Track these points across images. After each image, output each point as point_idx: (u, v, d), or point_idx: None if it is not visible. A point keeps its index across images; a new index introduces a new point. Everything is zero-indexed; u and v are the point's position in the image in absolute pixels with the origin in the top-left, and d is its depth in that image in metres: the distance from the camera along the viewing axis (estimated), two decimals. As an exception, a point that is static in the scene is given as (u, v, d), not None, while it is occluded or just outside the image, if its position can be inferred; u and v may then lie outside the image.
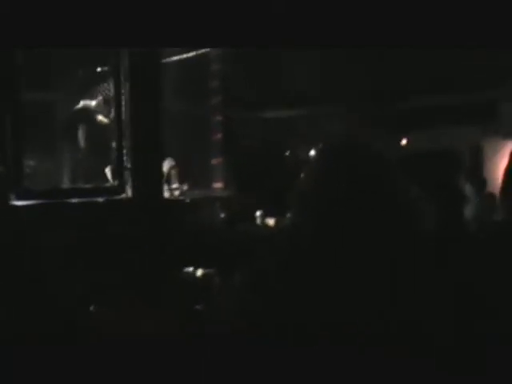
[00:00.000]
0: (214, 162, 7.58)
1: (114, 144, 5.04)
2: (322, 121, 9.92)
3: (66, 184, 6.20)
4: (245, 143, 8.38)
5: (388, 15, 3.68)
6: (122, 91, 5.11)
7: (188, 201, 6.03)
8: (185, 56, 7.77)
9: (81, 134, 6.91)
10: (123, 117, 5.02)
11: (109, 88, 5.73)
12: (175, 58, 7.61)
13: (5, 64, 4.21)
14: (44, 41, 3.67)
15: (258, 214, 5.97)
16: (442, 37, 3.73)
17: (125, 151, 5.04)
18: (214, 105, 7.69)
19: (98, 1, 3.54)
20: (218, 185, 7.47)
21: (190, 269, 4.96)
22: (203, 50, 7.62)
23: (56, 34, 3.55)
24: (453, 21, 3.64)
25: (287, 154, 10.13)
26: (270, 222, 5.95)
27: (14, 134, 4.36)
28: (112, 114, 5.29)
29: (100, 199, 4.80)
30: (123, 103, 5.07)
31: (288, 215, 5.33)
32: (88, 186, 5.64)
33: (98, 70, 7.24)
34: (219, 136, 7.48)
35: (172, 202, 5.74)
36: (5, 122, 4.29)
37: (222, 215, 6.20)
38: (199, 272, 4.89)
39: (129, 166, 5.00)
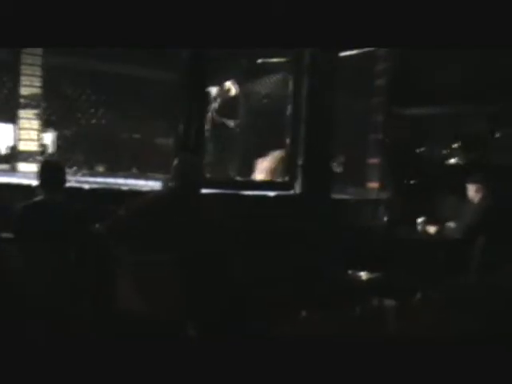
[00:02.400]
0: (371, 161, 7.47)
1: (287, 140, 5.09)
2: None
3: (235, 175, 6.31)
4: (405, 144, 8.19)
5: (392, 15, 3.47)
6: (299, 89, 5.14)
7: (353, 200, 6.01)
8: (348, 53, 7.70)
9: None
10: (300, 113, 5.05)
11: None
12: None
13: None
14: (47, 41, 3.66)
15: (419, 220, 5.83)
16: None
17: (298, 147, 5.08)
18: (376, 103, 7.58)
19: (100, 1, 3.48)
20: (374, 185, 7.37)
21: (352, 270, 4.95)
22: (368, 49, 7.52)
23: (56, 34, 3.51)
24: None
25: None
26: (431, 229, 5.79)
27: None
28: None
29: (271, 193, 4.88)
30: (300, 100, 5.10)
31: (450, 224, 5.12)
32: (260, 179, 5.75)
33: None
34: (379, 135, 7.36)
35: (338, 200, 5.74)
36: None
37: (383, 217, 6.13)
38: (363, 275, 4.86)
39: (300, 162, 5.04)
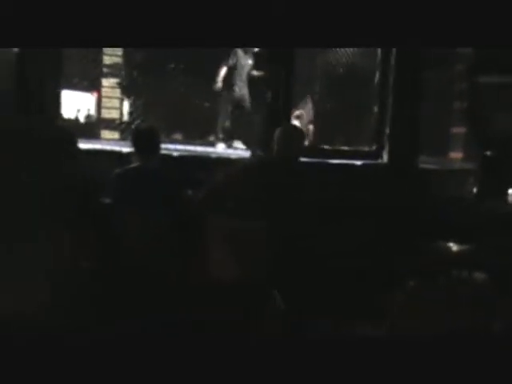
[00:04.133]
0: (455, 130, 7.30)
1: (375, 108, 5.02)
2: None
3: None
4: (490, 113, 7.95)
5: (392, 15, 3.26)
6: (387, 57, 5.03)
7: (439, 170, 5.89)
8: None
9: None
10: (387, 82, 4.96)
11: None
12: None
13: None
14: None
15: (510, 191, 5.66)
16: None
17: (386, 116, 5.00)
18: (460, 72, 7.38)
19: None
20: (457, 155, 7.22)
21: (442, 242, 4.85)
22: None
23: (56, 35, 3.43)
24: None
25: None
26: (520, 202, 5.62)
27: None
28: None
29: (358, 162, 4.82)
30: (387, 69, 5.00)
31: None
32: (348, 148, 5.71)
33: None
34: (464, 104, 7.18)
35: (424, 170, 5.64)
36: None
37: (471, 189, 5.98)
38: (452, 247, 4.77)
39: (387, 131, 4.96)
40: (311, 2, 3.27)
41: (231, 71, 6.82)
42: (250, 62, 6.80)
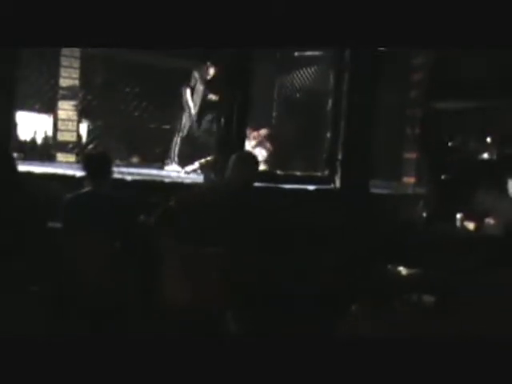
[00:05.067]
0: (408, 155, 7.45)
1: (327, 134, 5.10)
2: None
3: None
4: (441, 138, 8.13)
5: (392, 15, 3.41)
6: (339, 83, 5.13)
7: (391, 195, 5.99)
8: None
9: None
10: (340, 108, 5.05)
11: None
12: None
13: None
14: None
15: (458, 215, 5.79)
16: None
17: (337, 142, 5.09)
18: (413, 98, 7.55)
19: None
20: (410, 180, 7.35)
21: (391, 266, 4.93)
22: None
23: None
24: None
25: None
26: (470, 225, 5.74)
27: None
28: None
29: (311, 187, 4.88)
30: (340, 94, 5.10)
31: (489, 220, 5.10)
32: (300, 173, 5.77)
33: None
34: (416, 130, 7.33)
35: (376, 195, 5.74)
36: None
37: (421, 212, 6.09)
38: (403, 270, 4.84)
39: (339, 157, 5.03)
40: (310, 2, 3.33)
41: (192, 93, 6.89)
42: (205, 86, 6.85)
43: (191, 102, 6.90)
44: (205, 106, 6.83)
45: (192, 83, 6.92)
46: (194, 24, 3.36)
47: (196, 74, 6.90)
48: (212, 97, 6.70)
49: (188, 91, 6.94)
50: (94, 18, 3.28)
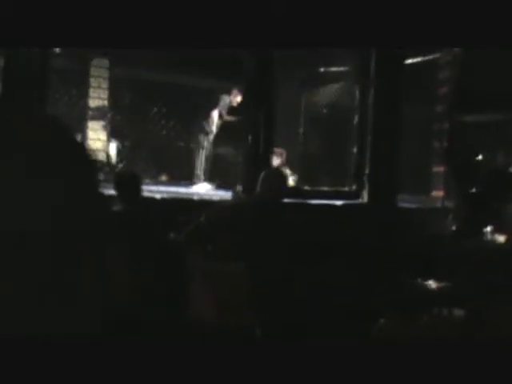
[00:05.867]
0: (436, 169, 7.41)
1: (354, 149, 5.11)
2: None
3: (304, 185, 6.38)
4: (470, 151, 8.09)
5: (393, 15, 3.36)
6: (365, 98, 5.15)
7: (419, 209, 5.97)
8: (412, 61, 7.65)
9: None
10: (366, 122, 5.06)
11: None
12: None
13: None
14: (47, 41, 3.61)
15: (488, 229, 5.74)
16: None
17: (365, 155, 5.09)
18: (440, 111, 7.52)
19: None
20: (438, 193, 7.30)
21: (420, 280, 4.91)
22: (432, 56, 7.48)
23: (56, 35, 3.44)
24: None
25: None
26: (501, 238, 5.69)
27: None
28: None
29: (338, 202, 4.89)
30: (366, 109, 5.11)
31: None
32: (327, 188, 5.79)
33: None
34: (444, 143, 7.30)
35: (404, 209, 5.73)
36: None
37: (450, 226, 6.06)
38: (432, 284, 4.82)
39: (367, 171, 5.04)
40: (310, 3, 3.35)
41: (219, 113, 7.00)
42: (231, 106, 6.95)
43: (217, 119, 6.99)
44: (231, 125, 6.92)
45: (220, 104, 7.02)
46: (197, 24, 3.39)
47: (224, 97, 7.01)
48: (237, 117, 6.79)
49: (215, 112, 7.05)
50: (93, 18, 3.32)
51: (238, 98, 6.78)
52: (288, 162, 7.11)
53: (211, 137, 7.00)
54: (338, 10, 3.51)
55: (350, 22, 3.54)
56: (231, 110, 6.88)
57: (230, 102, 6.94)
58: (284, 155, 7.02)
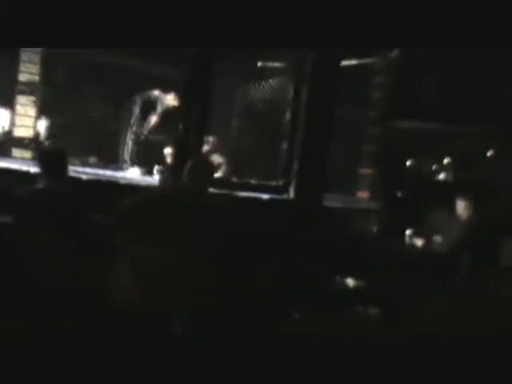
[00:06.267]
0: (363, 171, 7.57)
1: (284, 145, 5.16)
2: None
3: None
4: (397, 156, 8.30)
5: (391, 15, 3.54)
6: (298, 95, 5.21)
7: (344, 209, 6.09)
8: (349, 63, 7.75)
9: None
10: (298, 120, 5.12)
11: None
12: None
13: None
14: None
15: (408, 232, 5.93)
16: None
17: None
18: (371, 115, 7.67)
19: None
20: (364, 195, 7.47)
21: (339, 277, 5.02)
22: (368, 60, 7.62)
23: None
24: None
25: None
26: (419, 242, 5.89)
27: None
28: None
29: (265, 196, 4.93)
30: (298, 106, 5.17)
31: (437, 238, 5.27)
32: (255, 181, 5.81)
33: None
34: (374, 146, 7.46)
35: (329, 208, 5.82)
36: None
37: (372, 227, 6.21)
38: (350, 282, 4.94)
39: (295, 167, 5.10)
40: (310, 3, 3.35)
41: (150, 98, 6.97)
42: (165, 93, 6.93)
43: (142, 102, 6.97)
44: (155, 108, 6.91)
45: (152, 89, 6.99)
46: (189, 24, 3.38)
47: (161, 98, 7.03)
48: (165, 100, 6.77)
49: (146, 96, 7.02)
50: (93, 19, 3.29)
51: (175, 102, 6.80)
52: (218, 150, 7.12)
53: (138, 120, 6.96)
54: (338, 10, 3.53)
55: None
56: (166, 115, 6.89)
57: (167, 105, 6.93)
58: (216, 143, 7.02)
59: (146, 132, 7.06)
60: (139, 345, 2.66)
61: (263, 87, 7.08)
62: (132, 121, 6.99)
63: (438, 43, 3.64)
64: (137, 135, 7.01)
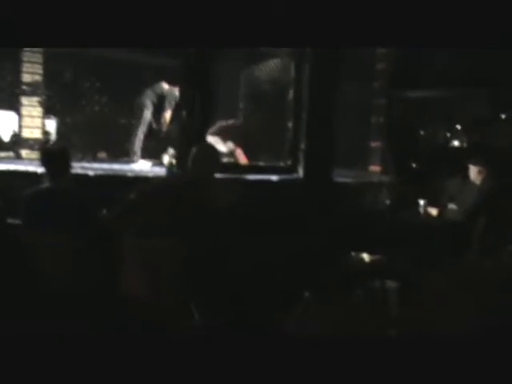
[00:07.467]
0: (373, 144, 7.51)
1: (289, 124, 5.12)
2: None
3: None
4: (407, 127, 8.21)
5: (392, 15, 3.47)
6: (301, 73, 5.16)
7: (356, 183, 6.04)
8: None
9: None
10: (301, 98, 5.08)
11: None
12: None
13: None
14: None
15: (421, 202, 5.88)
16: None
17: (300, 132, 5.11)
18: (377, 87, 7.60)
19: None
20: (375, 168, 7.41)
21: (355, 253, 4.98)
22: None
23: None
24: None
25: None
26: (433, 211, 5.84)
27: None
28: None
29: (274, 177, 4.91)
30: (301, 84, 5.12)
31: (452, 206, 5.21)
32: (263, 163, 5.79)
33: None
34: (382, 119, 7.38)
35: (341, 184, 5.78)
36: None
37: (385, 200, 6.16)
38: (366, 257, 4.90)
39: (302, 146, 5.07)
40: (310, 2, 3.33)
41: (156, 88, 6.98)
42: (169, 82, 6.92)
43: (154, 96, 6.96)
44: (168, 101, 6.89)
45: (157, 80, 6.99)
46: (191, 23, 3.37)
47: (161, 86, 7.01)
48: (176, 92, 6.74)
49: (157, 89, 7.03)
50: (93, 19, 3.28)
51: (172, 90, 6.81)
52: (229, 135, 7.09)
53: (147, 112, 6.95)
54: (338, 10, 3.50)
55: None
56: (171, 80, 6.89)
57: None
58: (227, 128, 6.97)
59: (159, 125, 7.05)
60: (139, 345, 2.65)
61: (266, 68, 7.04)
62: (143, 114, 6.97)
63: (438, 43, 3.60)
64: (151, 128, 7.01)
